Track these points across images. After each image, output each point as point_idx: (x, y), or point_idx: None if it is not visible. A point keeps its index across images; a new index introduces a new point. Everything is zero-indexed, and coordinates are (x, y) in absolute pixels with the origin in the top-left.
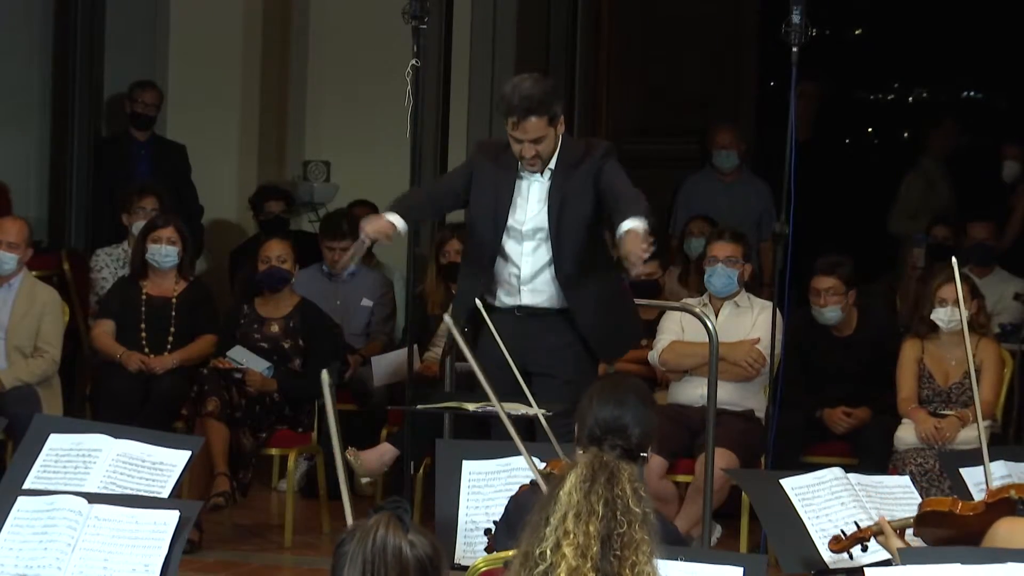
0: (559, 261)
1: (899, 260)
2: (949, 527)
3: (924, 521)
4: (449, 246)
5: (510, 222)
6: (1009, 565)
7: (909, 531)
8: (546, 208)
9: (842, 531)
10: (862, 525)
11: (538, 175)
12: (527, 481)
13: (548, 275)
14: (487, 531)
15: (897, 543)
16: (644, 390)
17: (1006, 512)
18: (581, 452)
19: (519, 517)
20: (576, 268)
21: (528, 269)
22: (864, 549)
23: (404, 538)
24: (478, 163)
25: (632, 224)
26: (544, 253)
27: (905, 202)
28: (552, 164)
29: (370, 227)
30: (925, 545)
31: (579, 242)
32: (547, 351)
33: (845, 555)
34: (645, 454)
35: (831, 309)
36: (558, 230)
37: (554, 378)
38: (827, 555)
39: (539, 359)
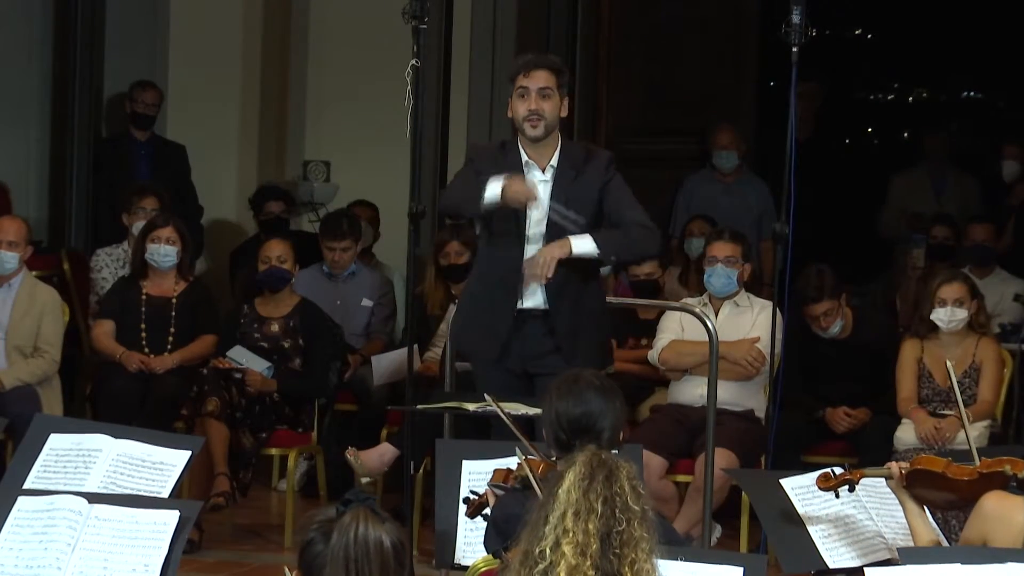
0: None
1: (892, 261)
2: (940, 488)
3: (916, 477)
4: (449, 247)
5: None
6: (1009, 565)
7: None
8: (547, 215)
9: (832, 470)
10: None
11: (540, 173)
12: (504, 467)
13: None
14: (466, 499)
15: (902, 487)
16: (603, 382)
17: (998, 484)
18: (554, 456)
19: (505, 521)
20: (567, 278)
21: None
22: (851, 490)
23: (382, 529)
24: (481, 166)
25: (574, 240)
26: None
27: (894, 204)
28: (555, 162)
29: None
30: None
31: None
32: (545, 353)
33: (831, 494)
34: (616, 449)
35: (833, 327)
36: (557, 237)
37: (556, 375)
38: (827, 556)
39: (538, 361)
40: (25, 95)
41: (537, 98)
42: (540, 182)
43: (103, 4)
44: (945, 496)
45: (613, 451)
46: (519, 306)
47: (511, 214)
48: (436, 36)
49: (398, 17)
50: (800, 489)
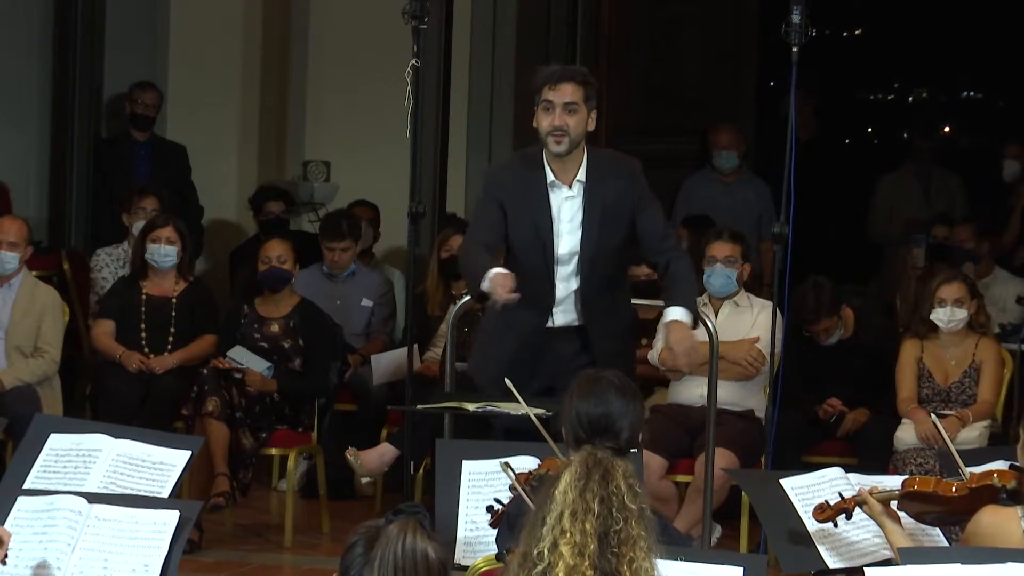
0: (587, 284)
1: (885, 264)
2: (933, 505)
3: (910, 499)
4: (452, 241)
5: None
6: (1009, 565)
7: (894, 502)
8: (580, 232)
9: (827, 500)
10: (846, 496)
11: (567, 189)
12: (526, 471)
13: (575, 296)
14: (489, 507)
15: (880, 513)
16: (624, 383)
17: (988, 497)
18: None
19: (518, 516)
20: (600, 293)
21: (562, 291)
22: (848, 517)
23: (430, 544)
24: (501, 193)
25: (678, 315)
26: (576, 274)
27: (882, 206)
28: (582, 176)
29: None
30: (909, 517)
31: (609, 267)
32: (572, 370)
33: (830, 524)
34: (635, 449)
35: (834, 336)
36: (593, 255)
37: None
38: (827, 556)
39: (566, 378)
40: (25, 95)
41: (562, 113)
42: (567, 199)
43: (103, 4)
44: (941, 512)
45: (632, 451)
46: (549, 324)
47: (539, 245)
48: (436, 36)
49: (398, 17)
50: (800, 489)
